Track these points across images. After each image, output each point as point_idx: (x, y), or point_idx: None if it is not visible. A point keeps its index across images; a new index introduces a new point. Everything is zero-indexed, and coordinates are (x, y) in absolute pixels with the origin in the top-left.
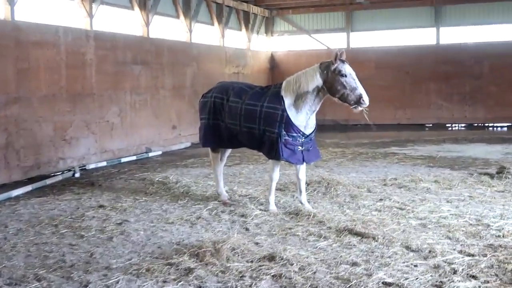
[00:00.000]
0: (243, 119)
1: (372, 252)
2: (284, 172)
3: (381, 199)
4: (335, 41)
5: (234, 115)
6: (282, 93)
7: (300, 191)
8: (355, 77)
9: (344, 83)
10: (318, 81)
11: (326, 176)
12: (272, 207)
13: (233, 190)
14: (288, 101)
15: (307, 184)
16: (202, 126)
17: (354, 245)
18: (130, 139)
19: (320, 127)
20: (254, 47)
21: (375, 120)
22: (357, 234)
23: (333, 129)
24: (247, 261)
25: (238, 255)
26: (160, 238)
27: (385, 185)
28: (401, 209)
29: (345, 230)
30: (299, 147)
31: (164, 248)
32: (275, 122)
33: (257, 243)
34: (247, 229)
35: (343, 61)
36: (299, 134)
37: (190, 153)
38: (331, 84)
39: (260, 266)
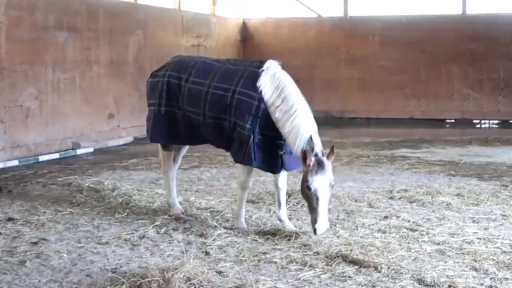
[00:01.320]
0: (208, 107)
1: (373, 287)
2: (258, 179)
3: (386, 217)
4: (328, 6)
5: (195, 101)
6: (262, 77)
7: (279, 204)
8: (322, 195)
9: (307, 196)
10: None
11: None
12: (241, 224)
13: (190, 201)
14: (267, 89)
15: (289, 195)
16: (151, 115)
17: (349, 276)
18: (51, 130)
19: None
20: (220, 12)
21: (379, 113)
22: (353, 262)
23: (325, 123)
24: None
25: None
26: (90, 264)
27: (391, 198)
28: (412, 230)
29: (338, 257)
30: (278, 150)
31: (95, 277)
32: (248, 115)
33: (220, 272)
34: (207, 253)
35: (319, 165)
36: (279, 134)
37: (133, 151)
38: (302, 182)
39: None
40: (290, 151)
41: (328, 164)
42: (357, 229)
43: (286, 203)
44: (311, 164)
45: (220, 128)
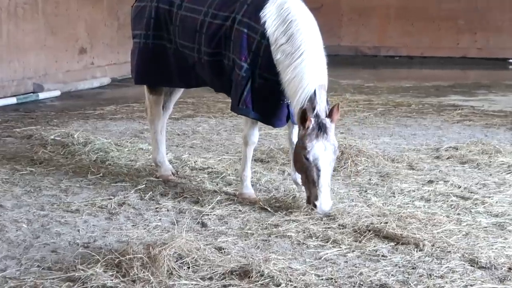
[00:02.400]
0: (204, 40)
1: (413, 269)
2: (269, 132)
3: (430, 182)
4: None
5: (190, 33)
6: (268, 6)
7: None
8: (324, 166)
9: (304, 167)
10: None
11: (339, 141)
12: (247, 189)
13: (182, 159)
14: (271, 22)
15: None
16: (136, 49)
17: (383, 255)
18: (6, 69)
19: (332, 60)
20: None
21: (422, 51)
22: (388, 237)
23: (353, 62)
24: (202, 278)
25: (188, 268)
26: (56, 236)
27: (438, 158)
28: (463, 198)
29: (369, 231)
30: (283, 98)
31: (62, 254)
32: (247, 51)
33: (220, 249)
34: (203, 225)
35: (320, 128)
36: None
37: (110, 95)
38: (296, 148)
39: (224, 287)
40: None
41: (331, 127)
42: (394, 197)
43: None
44: (310, 126)
45: (219, 67)
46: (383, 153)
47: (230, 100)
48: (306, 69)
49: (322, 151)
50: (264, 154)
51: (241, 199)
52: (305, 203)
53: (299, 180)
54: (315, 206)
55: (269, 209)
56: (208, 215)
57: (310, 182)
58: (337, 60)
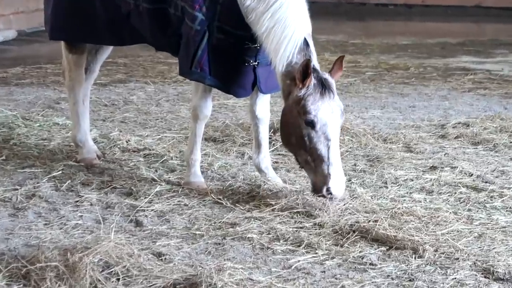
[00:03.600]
0: None
1: (411, 281)
2: (225, 102)
3: (433, 168)
4: None
5: None
6: None
7: (258, 146)
8: (334, 134)
9: (307, 139)
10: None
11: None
12: (195, 177)
13: (111, 138)
14: None
15: (273, 131)
16: None
17: (372, 264)
18: None
19: (311, 7)
20: None
21: None
22: (379, 240)
23: (335, 12)
24: None
25: (118, 280)
26: None
27: (443, 137)
28: (476, 189)
29: (354, 232)
30: (249, 60)
31: None
32: None
33: (160, 255)
34: (138, 224)
35: (324, 86)
36: (250, 32)
37: (16, 53)
38: (286, 118)
39: None
40: (268, 63)
41: (334, 83)
42: (386, 187)
43: (270, 143)
44: (311, 84)
45: (163, 17)
46: (372, 130)
47: (178, 62)
48: (288, 13)
49: (330, 114)
50: (217, 132)
51: (188, 189)
52: (310, 191)
53: (264, 165)
54: (328, 191)
55: (224, 202)
56: (144, 211)
57: (317, 158)
58: (314, 9)
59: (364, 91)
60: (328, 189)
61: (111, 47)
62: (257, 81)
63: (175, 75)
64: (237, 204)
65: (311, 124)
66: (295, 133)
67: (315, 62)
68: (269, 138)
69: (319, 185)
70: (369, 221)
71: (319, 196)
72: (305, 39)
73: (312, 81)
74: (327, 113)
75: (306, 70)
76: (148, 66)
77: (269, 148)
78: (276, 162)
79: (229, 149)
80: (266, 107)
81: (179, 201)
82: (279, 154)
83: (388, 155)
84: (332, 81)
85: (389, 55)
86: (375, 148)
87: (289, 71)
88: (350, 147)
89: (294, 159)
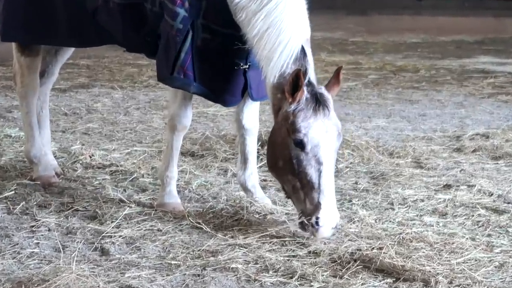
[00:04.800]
0: None
1: None
2: (205, 111)
3: (447, 187)
4: None
5: None
6: None
7: (244, 161)
8: (327, 157)
9: (295, 163)
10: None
11: None
12: (171, 197)
13: (72, 153)
14: None
15: (261, 144)
16: None
17: None
18: None
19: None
20: None
21: None
22: (384, 271)
23: (333, 5)
24: None
25: None
26: None
27: (459, 151)
28: (497, 211)
29: (356, 261)
30: (239, 62)
31: None
32: None
33: None
34: (104, 253)
35: (318, 102)
36: (240, 32)
37: None
38: (274, 137)
39: None
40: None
41: (330, 99)
42: (393, 209)
43: (258, 158)
44: (303, 98)
45: (137, 14)
46: (376, 143)
47: (155, 66)
48: (284, 15)
49: (324, 134)
50: (196, 145)
51: (162, 212)
52: (295, 224)
53: (250, 183)
54: (316, 224)
55: (204, 227)
56: (111, 237)
57: (306, 185)
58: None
59: (366, 97)
60: (317, 220)
61: (71, 49)
62: (247, 86)
63: (147, 78)
64: (219, 229)
65: (301, 145)
66: (283, 155)
67: (311, 74)
68: (257, 152)
69: (307, 215)
70: (373, 248)
71: (305, 228)
72: (302, 47)
73: (304, 95)
74: (320, 132)
75: (296, 81)
76: (115, 68)
77: (257, 164)
78: (265, 180)
79: (209, 165)
80: (254, 116)
81: (151, 226)
82: (267, 171)
83: (395, 172)
84: (328, 96)
85: (396, 55)
86: (379, 164)
87: (281, 83)
88: (351, 163)
89: (281, 187)
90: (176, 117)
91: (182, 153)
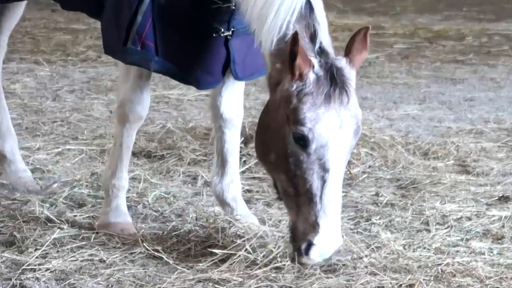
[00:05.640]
0: None
1: None
2: (166, 94)
3: (504, 199)
4: None
5: None
6: None
7: (223, 165)
8: (335, 164)
9: (292, 163)
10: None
11: None
12: (119, 214)
13: None
14: None
15: (244, 141)
16: None
17: None
18: None
19: None
20: None
21: None
22: None
23: None
24: None
25: None
26: None
27: None
28: None
29: None
30: (219, 28)
31: None
32: None
33: None
34: None
35: (332, 79)
36: None
37: None
38: (267, 119)
39: None
40: (245, 29)
41: (353, 77)
42: (428, 231)
43: (241, 160)
44: (309, 74)
45: None
46: (405, 139)
47: (101, 33)
48: None
49: (336, 131)
50: (154, 142)
51: (106, 235)
52: (285, 242)
53: (230, 195)
54: (306, 252)
55: (164, 257)
56: (34, 270)
57: (303, 194)
58: None
59: (391, 74)
60: (308, 246)
61: (21, 8)
62: (230, 60)
63: (84, 49)
64: (185, 260)
65: (303, 142)
66: (277, 147)
67: (323, 37)
68: (240, 152)
69: (299, 234)
70: (401, 285)
71: (293, 250)
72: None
73: (313, 70)
74: (332, 128)
75: (293, 50)
76: (40, 35)
77: (240, 168)
78: (250, 191)
79: (172, 169)
80: (237, 102)
81: (91, 255)
82: (254, 178)
83: (431, 179)
84: (349, 73)
85: (432, 16)
86: (409, 168)
87: (281, 49)
88: (370, 166)
89: (272, 182)
90: (127, 103)
91: (134, 154)
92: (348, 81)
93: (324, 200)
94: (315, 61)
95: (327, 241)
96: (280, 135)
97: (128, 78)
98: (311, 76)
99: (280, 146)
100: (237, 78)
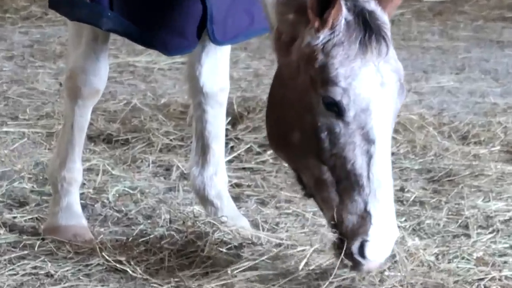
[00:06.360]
0: None
1: None
2: (129, 61)
3: None
4: None
5: None
6: None
7: (204, 152)
8: (381, 133)
9: (326, 138)
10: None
11: None
12: (70, 216)
13: None
14: None
15: (232, 123)
16: None
17: None
18: None
19: None
20: None
21: None
22: None
23: None
24: None
25: None
26: None
27: None
28: None
29: None
30: None
31: None
32: None
33: None
34: None
35: (367, 31)
36: None
37: None
38: (282, 90)
39: None
40: None
41: (387, 23)
42: (468, 236)
43: (228, 145)
44: (341, 21)
45: None
46: (438, 119)
47: None
48: None
49: (378, 90)
50: (116, 123)
51: (55, 243)
52: (322, 245)
53: (213, 190)
54: (360, 252)
55: (129, 270)
56: None
57: (344, 178)
58: None
59: (420, 36)
60: (363, 244)
61: None
62: (207, 19)
63: (26, 4)
64: (156, 274)
65: (337, 108)
66: (301, 123)
67: None
68: (225, 136)
69: (349, 234)
70: None
71: (344, 257)
72: None
73: (343, 15)
74: (372, 86)
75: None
76: None
77: (227, 156)
78: (239, 186)
79: (139, 158)
80: (221, 72)
81: (35, 268)
82: (244, 169)
83: (472, 170)
84: (384, 17)
85: None
86: (443, 156)
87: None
88: (393, 154)
89: (294, 176)
90: (79, 74)
91: (91, 138)
92: (384, 26)
93: (373, 180)
94: (343, 4)
95: (384, 233)
96: (304, 106)
97: (79, 41)
98: (341, 22)
99: (306, 121)
100: (215, 41)
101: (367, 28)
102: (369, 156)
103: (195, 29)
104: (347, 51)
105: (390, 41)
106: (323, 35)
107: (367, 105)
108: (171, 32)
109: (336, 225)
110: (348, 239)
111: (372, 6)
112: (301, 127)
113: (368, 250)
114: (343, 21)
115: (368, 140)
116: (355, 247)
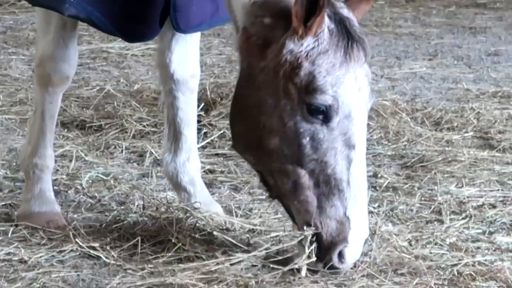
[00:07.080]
0: None
1: None
2: (102, 47)
3: None
4: None
5: None
6: None
7: (176, 138)
8: (359, 137)
9: (308, 145)
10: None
11: None
12: (43, 202)
13: None
14: None
15: (205, 109)
16: None
17: None
18: None
19: None
20: None
21: None
22: None
23: None
24: None
25: None
26: None
27: None
28: None
29: None
30: None
31: None
32: None
33: None
34: None
35: (349, 39)
36: None
37: None
38: (255, 97)
39: None
40: None
41: (357, 29)
42: (440, 221)
43: (201, 132)
44: (325, 29)
45: None
46: (411, 104)
47: None
48: None
49: (356, 95)
50: (89, 109)
51: (28, 229)
52: (296, 252)
53: (186, 176)
54: (340, 256)
55: (102, 256)
56: None
57: (323, 182)
58: None
59: (393, 22)
60: (341, 251)
61: None
62: (170, 6)
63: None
64: (129, 260)
65: (323, 115)
66: (281, 130)
67: None
68: (198, 122)
69: (328, 244)
70: None
71: (320, 262)
72: None
73: (326, 23)
74: (353, 92)
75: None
76: None
77: (199, 142)
78: (212, 172)
79: (112, 144)
80: (192, 58)
81: (8, 254)
82: (217, 155)
83: (444, 156)
84: (356, 24)
85: None
86: (416, 142)
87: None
88: (367, 139)
89: (259, 178)
90: (48, 60)
91: (64, 124)
92: (362, 34)
93: (352, 185)
94: (325, 13)
95: (359, 236)
96: (284, 112)
97: (48, 28)
98: (325, 30)
99: (286, 127)
100: (178, 29)
101: (349, 36)
102: (349, 161)
103: (158, 16)
104: (332, 59)
105: (367, 48)
106: (306, 43)
107: (350, 111)
108: (133, 19)
109: (312, 228)
110: (328, 250)
111: (346, 12)
112: (279, 133)
113: (347, 255)
114: (326, 29)
115: (349, 145)
116: (335, 254)
